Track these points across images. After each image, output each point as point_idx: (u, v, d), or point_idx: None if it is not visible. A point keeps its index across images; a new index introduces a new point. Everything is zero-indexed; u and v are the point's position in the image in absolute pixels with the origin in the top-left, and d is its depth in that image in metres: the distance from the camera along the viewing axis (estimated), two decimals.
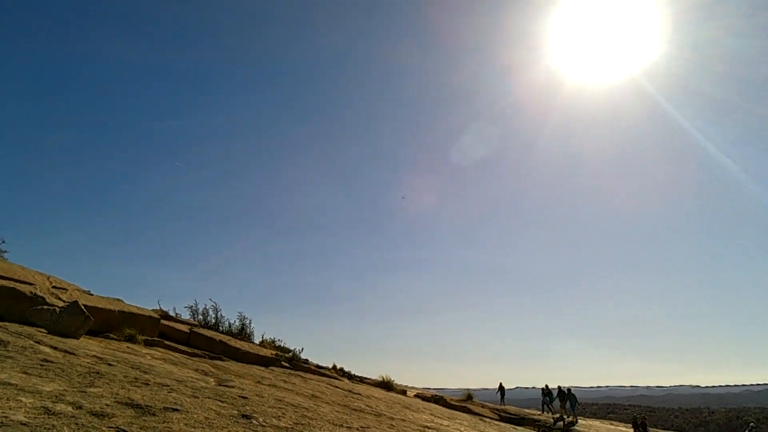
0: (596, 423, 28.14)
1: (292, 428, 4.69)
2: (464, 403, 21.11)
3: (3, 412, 3.14)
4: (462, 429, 10.66)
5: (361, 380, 20.14)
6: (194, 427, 3.78)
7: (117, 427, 3.33)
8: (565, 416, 25.24)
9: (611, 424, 29.28)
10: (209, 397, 5.21)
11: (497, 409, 22.33)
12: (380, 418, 7.76)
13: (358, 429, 5.81)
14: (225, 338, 17.17)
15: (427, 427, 8.71)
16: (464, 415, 15.85)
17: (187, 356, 12.27)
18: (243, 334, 20.31)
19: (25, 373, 4.37)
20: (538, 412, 25.29)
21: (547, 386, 27.36)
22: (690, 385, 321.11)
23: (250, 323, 20.78)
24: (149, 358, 9.03)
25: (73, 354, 6.50)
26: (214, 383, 7.03)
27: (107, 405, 3.85)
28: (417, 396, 20.21)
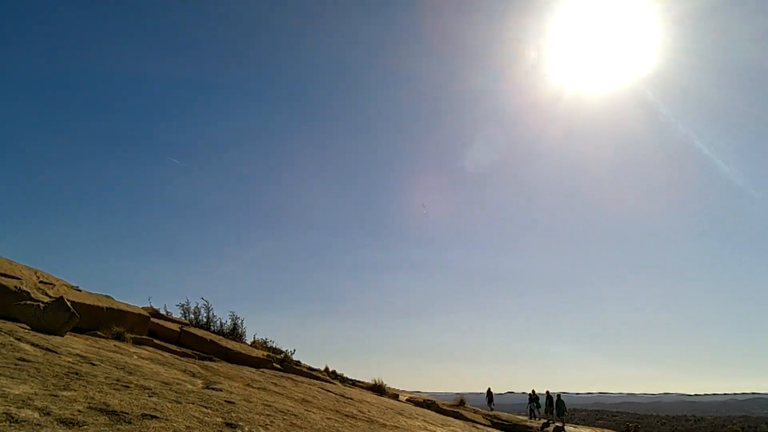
0: (587, 430, 28.02)
1: None
2: (457, 408, 20.90)
3: None
4: None
5: (354, 383, 19.88)
6: None
7: None
8: (552, 422, 25.16)
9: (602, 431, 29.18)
10: (193, 403, 4.92)
11: (489, 415, 22.14)
12: (372, 426, 7.50)
13: None
14: (216, 338, 16.88)
15: None
16: (457, 421, 15.62)
17: (176, 356, 11.98)
18: (235, 333, 19.99)
19: None
20: (544, 420, 25.13)
21: (533, 391, 27.36)
22: (677, 393, 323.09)
23: (242, 323, 20.47)
24: (136, 357, 8.75)
25: (55, 352, 6.23)
26: (201, 386, 6.75)
27: (79, 411, 3.56)
28: (409, 400, 19.98)
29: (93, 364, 5.90)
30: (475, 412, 22.47)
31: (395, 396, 19.34)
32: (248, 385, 8.42)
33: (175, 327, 16.22)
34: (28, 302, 9.51)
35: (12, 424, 3.00)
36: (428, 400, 21.08)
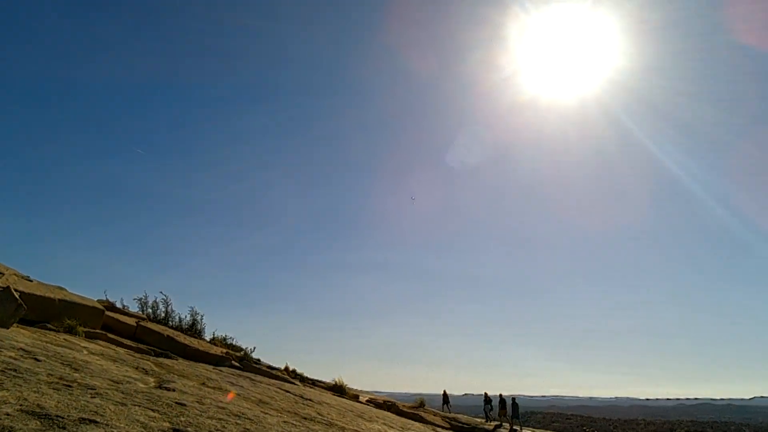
0: None
1: None
2: (416, 410, 20.94)
3: None
4: None
5: (314, 383, 19.68)
6: None
7: None
8: (505, 423, 25.70)
9: None
10: (140, 404, 4.66)
11: (448, 418, 22.32)
12: (331, 429, 7.36)
13: None
14: (174, 334, 16.42)
15: None
16: (417, 424, 15.64)
17: (130, 352, 11.58)
18: (194, 330, 19.54)
19: None
20: (496, 422, 25.54)
21: (486, 394, 27.93)
22: (630, 397, 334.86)
23: (201, 319, 20.06)
24: (86, 353, 8.38)
25: None
26: (153, 384, 6.48)
27: (7, 415, 3.26)
28: (369, 401, 19.92)
29: (37, 360, 5.59)
30: (435, 414, 22.58)
31: (355, 397, 19.26)
32: (203, 384, 8.14)
33: (131, 321, 15.71)
34: None
35: None
36: (388, 402, 21.07)
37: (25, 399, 3.69)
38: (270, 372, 16.26)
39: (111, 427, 3.62)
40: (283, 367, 19.48)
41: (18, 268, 13.75)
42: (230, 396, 7.45)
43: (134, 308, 18.84)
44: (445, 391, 29.96)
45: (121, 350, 11.12)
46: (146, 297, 19.06)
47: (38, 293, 12.09)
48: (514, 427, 25.14)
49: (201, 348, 15.81)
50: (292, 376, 18.59)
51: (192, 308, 20.13)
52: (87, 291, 15.34)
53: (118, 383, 5.51)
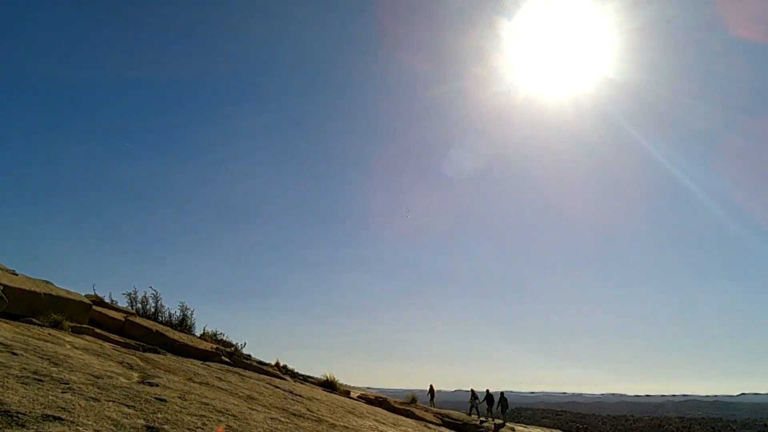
0: (536, 430, 28.76)
1: None
2: (408, 406, 20.87)
3: None
4: None
5: (305, 379, 19.54)
6: None
7: None
8: (490, 419, 25.82)
9: None
10: (115, 400, 4.42)
11: (441, 414, 22.28)
12: (321, 426, 7.18)
13: None
14: (163, 329, 16.23)
15: None
16: (409, 420, 15.54)
17: (117, 347, 11.36)
18: (183, 325, 19.35)
19: None
20: (482, 418, 25.58)
21: (473, 390, 28.12)
22: (618, 394, 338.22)
23: (191, 314, 19.87)
24: (69, 347, 8.16)
25: None
26: (136, 379, 6.28)
27: None
28: (360, 397, 19.81)
29: (14, 354, 5.38)
30: (426, 410, 22.53)
31: (346, 393, 19.15)
32: (190, 379, 7.95)
33: (119, 316, 15.48)
34: None
35: None
36: (380, 398, 20.97)
37: None
38: (260, 368, 16.10)
39: (77, 425, 3.36)
40: (273, 363, 19.33)
41: (4, 262, 13.51)
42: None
43: (123, 303, 18.59)
44: (431, 386, 30.05)
45: (107, 345, 10.90)
46: (135, 292, 18.84)
47: (23, 287, 11.86)
48: (504, 423, 25.23)
49: (190, 343, 15.62)
50: (282, 371, 18.44)
51: (182, 303, 19.93)
52: (75, 286, 15.06)
53: (98, 378, 5.31)
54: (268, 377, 13.55)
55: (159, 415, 4.32)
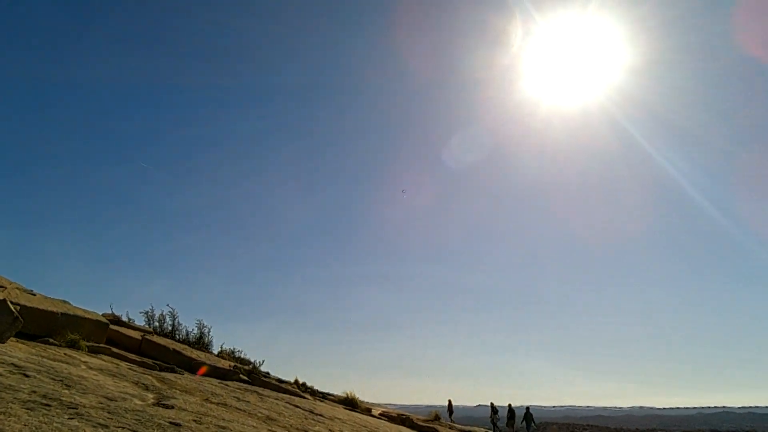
0: None
1: None
2: (431, 423, 20.29)
3: None
4: None
5: (324, 397, 19.13)
6: None
7: None
8: None
9: None
10: (125, 426, 4.09)
11: (464, 431, 21.65)
12: None
13: None
14: (180, 347, 16.05)
15: None
16: None
17: (133, 366, 11.16)
18: (201, 343, 19.18)
19: None
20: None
21: (493, 404, 27.33)
22: (647, 407, 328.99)
23: (209, 332, 19.69)
24: (85, 367, 7.94)
25: None
26: (152, 401, 6.00)
27: None
28: (383, 415, 19.31)
29: (25, 376, 5.15)
30: (451, 427, 21.91)
31: (368, 410, 18.68)
32: (207, 399, 7.64)
33: (136, 335, 15.35)
34: None
35: None
36: (402, 416, 20.43)
37: None
38: (279, 386, 15.76)
39: None
40: (293, 380, 18.99)
41: (22, 282, 13.49)
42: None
43: (140, 321, 18.52)
44: (450, 401, 29.42)
45: (123, 365, 10.69)
46: (152, 310, 18.74)
47: (40, 307, 11.78)
48: None
49: (208, 361, 15.38)
50: (302, 389, 18.08)
51: (199, 321, 19.78)
52: (92, 305, 14.99)
53: (110, 401, 5.03)
54: (288, 396, 13.20)
55: None
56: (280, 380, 17.79)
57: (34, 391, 4.41)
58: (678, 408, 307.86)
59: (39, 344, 10.22)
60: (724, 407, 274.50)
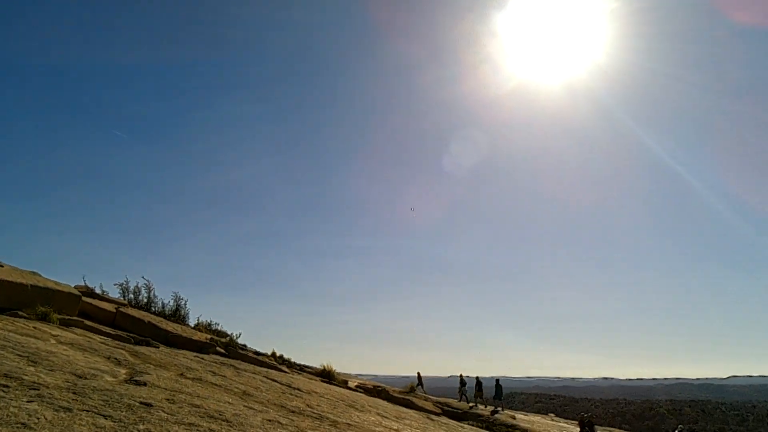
0: (537, 418, 28.71)
1: None
2: (407, 395, 20.65)
3: None
4: None
5: (302, 369, 19.21)
6: None
7: None
8: (480, 405, 25.82)
9: (552, 419, 29.96)
10: (90, 409, 3.83)
11: (440, 402, 22.10)
12: (322, 424, 6.78)
13: None
14: (156, 320, 15.78)
15: None
16: (411, 412, 15.22)
17: (107, 339, 10.91)
18: (177, 315, 18.90)
19: None
20: (472, 404, 25.51)
21: (462, 376, 28.17)
22: (610, 378, 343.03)
23: (185, 304, 19.38)
24: (54, 342, 7.70)
25: None
26: (123, 377, 5.82)
27: None
28: (359, 387, 19.56)
29: None
30: (426, 399, 22.33)
31: (344, 382, 18.86)
32: (182, 374, 7.50)
33: (110, 308, 15.00)
34: None
35: None
36: (378, 387, 20.72)
37: None
38: (256, 359, 15.72)
39: None
40: (270, 353, 18.97)
41: None
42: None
43: (115, 294, 18.11)
44: (419, 373, 30.08)
45: (97, 338, 10.44)
46: (127, 282, 18.30)
47: (8, 279, 11.36)
48: (497, 409, 25.18)
49: (184, 334, 15.18)
50: (279, 362, 18.08)
51: (175, 293, 19.45)
52: (65, 277, 14.53)
53: (80, 378, 4.84)
54: (265, 369, 13.17)
55: (141, 427, 3.75)
56: (257, 353, 17.74)
57: None
58: (640, 379, 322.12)
59: (6, 317, 9.86)
60: (681, 378, 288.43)
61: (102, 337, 11.17)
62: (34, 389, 3.95)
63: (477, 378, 27.34)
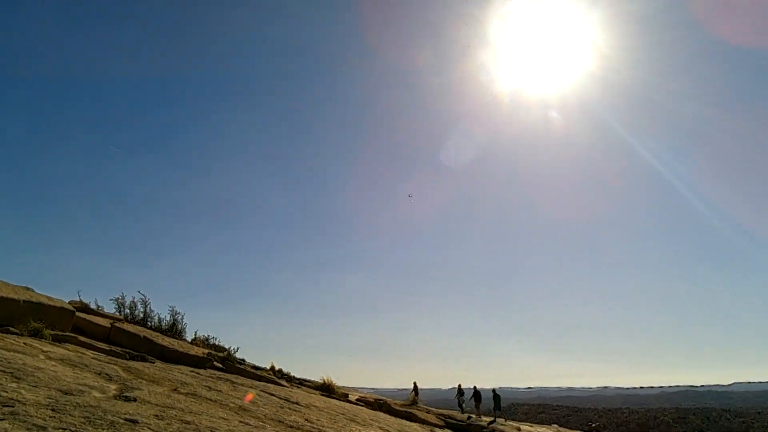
0: (542, 429, 28.28)
1: None
2: (409, 408, 20.31)
3: None
4: None
5: (301, 383, 18.87)
6: None
7: None
8: (475, 416, 25.47)
9: (557, 431, 29.55)
10: (66, 427, 3.54)
11: (443, 415, 21.74)
12: None
13: None
14: (152, 334, 15.51)
15: None
16: (413, 425, 14.90)
17: (100, 355, 10.64)
18: (174, 330, 18.67)
19: None
20: (487, 419, 25.13)
21: (459, 386, 27.89)
22: (615, 387, 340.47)
23: (182, 318, 19.18)
24: (43, 358, 7.44)
25: None
26: (113, 393, 5.57)
27: None
28: (360, 401, 19.20)
29: None
30: (428, 411, 21.98)
31: (345, 396, 18.52)
32: (175, 390, 7.23)
33: (105, 323, 14.74)
34: None
35: None
36: (380, 401, 20.36)
37: None
38: (254, 373, 15.41)
39: None
40: (268, 367, 18.67)
41: None
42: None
43: (111, 309, 17.88)
44: (415, 383, 29.82)
45: (89, 353, 10.17)
46: (123, 297, 18.09)
47: (0, 294, 11.16)
48: (496, 419, 24.85)
49: (180, 349, 14.90)
50: (278, 376, 17.77)
51: (172, 308, 19.24)
52: (59, 292, 14.31)
53: (64, 394, 4.60)
54: (263, 383, 12.87)
55: None
56: (255, 367, 17.44)
57: None
58: (643, 387, 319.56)
59: None
60: (685, 386, 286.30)
61: (95, 352, 10.91)
62: (9, 406, 3.70)
63: (475, 388, 27.12)
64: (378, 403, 19.47)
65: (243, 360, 17.84)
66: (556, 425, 38.59)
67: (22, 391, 4.29)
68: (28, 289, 13.26)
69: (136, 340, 14.19)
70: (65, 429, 3.41)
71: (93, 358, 9.17)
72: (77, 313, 13.61)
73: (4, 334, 9.81)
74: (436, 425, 18.26)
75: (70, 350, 9.89)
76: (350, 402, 17.26)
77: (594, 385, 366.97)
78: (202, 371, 11.69)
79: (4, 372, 5.00)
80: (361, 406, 16.90)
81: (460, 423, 21.07)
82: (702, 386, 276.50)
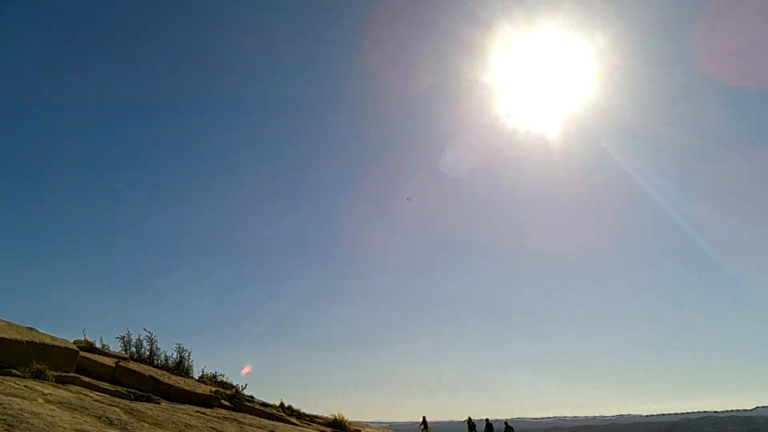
0: None
1: None
2: None
3: None
4: None
5: (312, 420, 18.29)
6: None
7: None
8: None
9: None
10: None
11: None
12: None
13: None
14: (158, 373, 15.18)
15: None
16: None
17: (103, 396, 10.30)
18: (181, 368, 18.37)
19: None
20: None
21: (470, 418, 27.26)
22: (633, 414, 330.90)
23: (189, 356, 18.94)
24: (42, 401, 7.14)
25: None
26: None
27: None
28: None
29: None
30: None
31: None
32: None
33: (110, 362, 14.46)
34: None
35: None
36: None
37: None
38: (263, 411, 14.95)
39: None
40: (278, 404, 18.17)
41: None
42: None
43: (116, 347, 17.68)
44: (424, 417, 29.11)
45: (92, 395, 9.84)
46: (129, 335, 17.93)
47: (4, 335, 10.93)
48: None
49: (187, 387, 14.53)
50: (288, 413, 17.25)
51: (179, 345, 18.98)
52: (64, 331, 14.10)
53: None
54: (272, 422, 12.42)
55: None
56: (264, 404, 16.96)
57: None
58: (663, 414, 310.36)
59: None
60: (706, 412, 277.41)
61: (99, 393, 10.58)
62: None
63: (487, 420, 26.47)
64: None
65: (252, 397, 17.39)
66: None
67: None
68: (31, 329, 13.03)
69: (141, 380, 13.89)
70: None
71: (95, 400, 8.84)
72: (81, 353, 13.38)
73: (5, 377, 9.53)
74: None
75: (71, 392, 9.57)
76: None
77: (613, 413, 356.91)
78: (208, 411, 11.28)
79: None
80: None
81: None
82: (724, 411, 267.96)
